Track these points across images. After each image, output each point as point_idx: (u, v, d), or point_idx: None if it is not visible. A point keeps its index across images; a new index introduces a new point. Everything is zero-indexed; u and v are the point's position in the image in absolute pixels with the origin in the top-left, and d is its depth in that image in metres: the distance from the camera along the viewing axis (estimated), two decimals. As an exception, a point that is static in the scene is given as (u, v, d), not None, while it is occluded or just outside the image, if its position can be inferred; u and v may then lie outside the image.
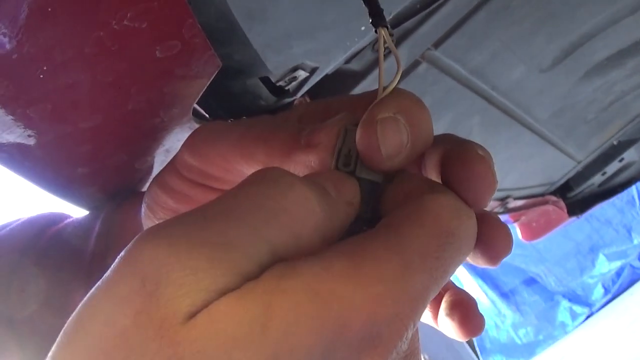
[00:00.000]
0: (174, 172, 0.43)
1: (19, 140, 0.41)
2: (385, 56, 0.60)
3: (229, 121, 0.46)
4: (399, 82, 0.35)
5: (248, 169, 0.38)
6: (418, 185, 0.33)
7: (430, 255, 0.28)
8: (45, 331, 0.48)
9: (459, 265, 0.32)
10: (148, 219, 0.46)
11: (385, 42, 0.37)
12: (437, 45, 0.68)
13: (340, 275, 0.25)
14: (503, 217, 1.48)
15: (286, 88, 0.51)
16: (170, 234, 0.25)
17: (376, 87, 0.35)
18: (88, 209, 0.56)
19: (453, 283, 0.41)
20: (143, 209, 0.47)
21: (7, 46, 0.34)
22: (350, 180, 0.32)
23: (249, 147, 0.38)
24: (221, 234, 0.25)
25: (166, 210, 0.45)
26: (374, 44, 0.60)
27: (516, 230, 1.71)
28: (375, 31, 0.38)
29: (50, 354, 0.24)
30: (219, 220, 0.25)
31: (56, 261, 0.51)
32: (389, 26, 0.38)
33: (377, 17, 0.38)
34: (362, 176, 0.33)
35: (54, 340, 0.24)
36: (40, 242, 0.52)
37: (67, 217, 0.57)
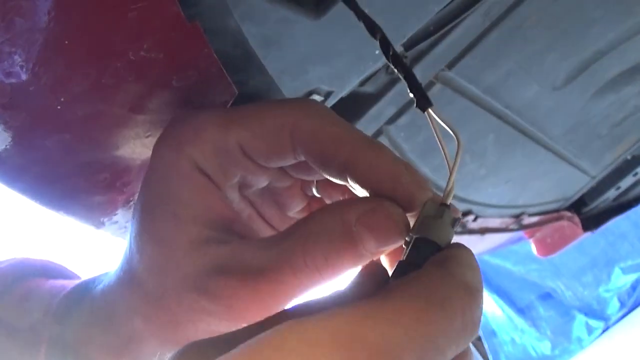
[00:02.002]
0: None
1: (37, 171, 0.41)
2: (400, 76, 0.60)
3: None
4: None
5: None
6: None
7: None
8: (47, 340, 0.48)
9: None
10: None
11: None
12: (450, 66, 0.68)
13: None
14: (518, 234, 1.47)
15: (301, 113, 0.51)
16: None
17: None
18: (97, 228, 0.56)
19: None
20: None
21: (24, 77, 0.34)
22: None
23: None
24: None
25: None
26: (387, 66, 0.60)
27: (531, 246, 1.71)
28: (423, 111, 0.35)
29: None
30: None
31: (59, 270, 0.52)
32: (433, 102, 0.35)
33: (423, 100, 0.35)
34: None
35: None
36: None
37: None
